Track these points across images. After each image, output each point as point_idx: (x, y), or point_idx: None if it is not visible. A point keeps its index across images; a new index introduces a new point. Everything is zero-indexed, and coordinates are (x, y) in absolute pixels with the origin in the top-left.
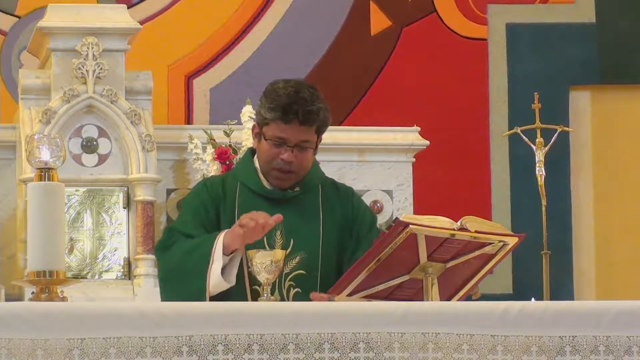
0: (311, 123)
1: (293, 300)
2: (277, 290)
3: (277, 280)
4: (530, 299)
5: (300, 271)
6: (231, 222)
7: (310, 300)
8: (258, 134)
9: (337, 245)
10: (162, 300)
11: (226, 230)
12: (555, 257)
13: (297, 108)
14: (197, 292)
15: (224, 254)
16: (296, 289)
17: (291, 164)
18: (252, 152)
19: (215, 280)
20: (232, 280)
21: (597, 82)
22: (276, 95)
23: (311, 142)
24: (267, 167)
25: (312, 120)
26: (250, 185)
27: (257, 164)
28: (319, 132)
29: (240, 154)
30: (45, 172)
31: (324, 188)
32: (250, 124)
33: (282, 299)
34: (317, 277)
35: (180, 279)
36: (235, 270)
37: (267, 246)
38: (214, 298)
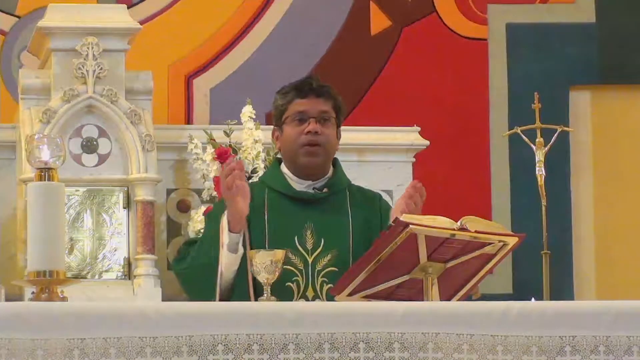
0: (327, 97)
1: (326, 295)
2: (310, 286)
3: (310, 276)
4: (530, 299)
5: (333, 268)
6: (262, 227)
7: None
8: (278, 130)
9: (367, 243)
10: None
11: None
12: (555, 257)
13: (310, 81)
14: (211, 264)
15: (231, 231)
16: (329, 285)
17: (317, 134)
18: (278, 161)
19: (225, 252)
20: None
21: (597, 82)
22: (286, 85)
23: (330, 114)
24: (295, 148)
25: (328, 93)
26: (279, 188)
27: (284, 170)
28: (337, 112)
29: (240, 154)
30: (45, 172)
31: (350, 191)
32: (251, 124)
33: (316, 295)
34: None
35: (198, 263)
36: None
37: (298, 246)
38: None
